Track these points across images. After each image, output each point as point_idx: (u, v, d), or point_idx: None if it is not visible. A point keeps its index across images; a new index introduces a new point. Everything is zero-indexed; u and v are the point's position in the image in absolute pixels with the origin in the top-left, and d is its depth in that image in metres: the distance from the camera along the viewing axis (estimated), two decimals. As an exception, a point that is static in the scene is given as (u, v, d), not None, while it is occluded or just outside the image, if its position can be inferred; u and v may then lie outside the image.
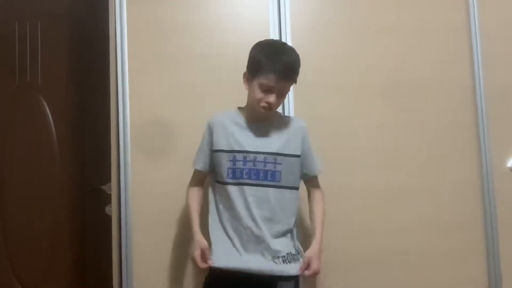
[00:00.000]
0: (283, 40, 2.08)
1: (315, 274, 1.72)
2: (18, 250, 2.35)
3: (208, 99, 2.03)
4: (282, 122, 1.81)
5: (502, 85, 2.22)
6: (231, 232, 1.70)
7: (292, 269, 1.70)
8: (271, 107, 1.70)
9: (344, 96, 2.13)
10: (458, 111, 2.19)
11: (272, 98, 1.67)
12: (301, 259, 1.74)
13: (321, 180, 1.95)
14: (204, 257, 1.69)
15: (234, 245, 1.69)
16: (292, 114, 2.07)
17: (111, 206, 1.99)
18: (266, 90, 1.67)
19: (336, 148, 2.09)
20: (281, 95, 1.71)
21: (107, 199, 2.08)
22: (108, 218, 2.01)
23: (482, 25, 2.22)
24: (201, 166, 1.79)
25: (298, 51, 1.97)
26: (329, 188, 2.04)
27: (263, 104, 1.69)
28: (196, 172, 1.82)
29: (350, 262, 2.05)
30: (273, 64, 1.64)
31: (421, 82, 2.18)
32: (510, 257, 2.14)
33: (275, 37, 2.09)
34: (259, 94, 1.68)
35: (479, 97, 2.19)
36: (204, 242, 1.71)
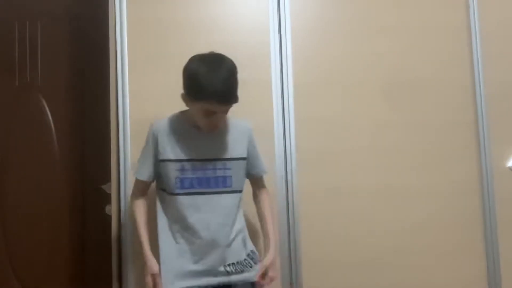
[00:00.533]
0: (283, 40, 2.09)
1: (272, 281, 1.70)
2: (18, 250, 2.35)
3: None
4: (226, 125, 1.75)
5: (502, 84, 2.22)
6: (183, 245, 1.65)
7: (246, 277, 1.68)
8: (216, 128, 1.68)
9: (344, 96, 2.13)
10: (458, 111, 2.19)
11: (217, 121, 1.64)
12: (255, 266, 1.72)
13: (319, 179, 1.95)
14: (155, 283, 1.63)
15: (185, 260, 1.64)
16: (292, 115, 2.08)
17: (111, 206, 1.99)
18: (210, 113, 1.61)
19: (335, 148, 2.09)
20: (225, 113, 1.66)
21: (107, 198, 2.08)
22: (108, 218, 2.01)
23: (482, 25, 2.22)
24: (146, 176, 1.71)
25: (298, 50, 1.97)
26: (328, 188, 2.05)
27: (209, 127, 1.66)
28: (139, 182, 1.75)
29: (349, 261, 2.05)
30: (213, 91, 1.55)
31: (421, 82, 2.18)
32: (509, 257, 2.14)
33: (275, 37, 2.10)
34: (203, 118, 1.63)
35: (479, 97, 2.19)
36: (155, 268, 1.65)
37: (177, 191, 1.65)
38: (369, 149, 2.12)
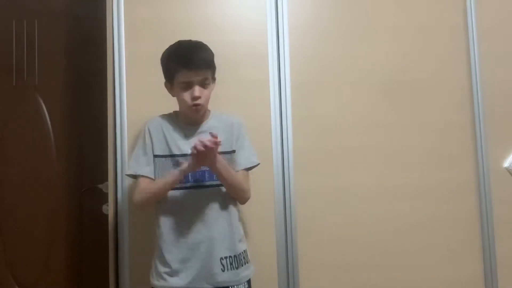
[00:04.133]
0: (281, 39, 2.09)
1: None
2: (15, 249, 2.35)
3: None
4: (218, 121, 1.77)
5: (499, 85, 2.22)
6: (181, 240, 1.66)
7: (241, 276, 1.70)
8: (199, 104, 1.68)
9: (341, 96, 2.13)
10: (455, 111, 2.19)
11: (196, 92, 1.66)
12: (248, 265, 1.75)
13: (316, 179, 1.94)
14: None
15: (183, 256, 1.66)
16: (289, 114, 2.07)
17: (108, 205, 1.99)
18: (187, 87, 1.66)
19: (332, 147, 2.09)
20: (205, 87, 1.69)
21: (104, 198, 2.08)
22: (105, 217, 2.02)
23: (479, 25, 2.23)
24: (148, 171, 1.70)
25: (295, 50, 1.96)
26: (325, 187, 2.05)
27: (192, 103, 1.67)
28: (141, 179, 1.70)
29: (346, 261, 2.05)
30: (181, 60, 1.65)
31: (419, 82, 2.18)
32: (506, 257, 2.14)
33: (273, 36, 2.10)
34: (183, 95, 1.67)
35: (476, 97, 2.20)
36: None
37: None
38: (366, 149, 2.12)
